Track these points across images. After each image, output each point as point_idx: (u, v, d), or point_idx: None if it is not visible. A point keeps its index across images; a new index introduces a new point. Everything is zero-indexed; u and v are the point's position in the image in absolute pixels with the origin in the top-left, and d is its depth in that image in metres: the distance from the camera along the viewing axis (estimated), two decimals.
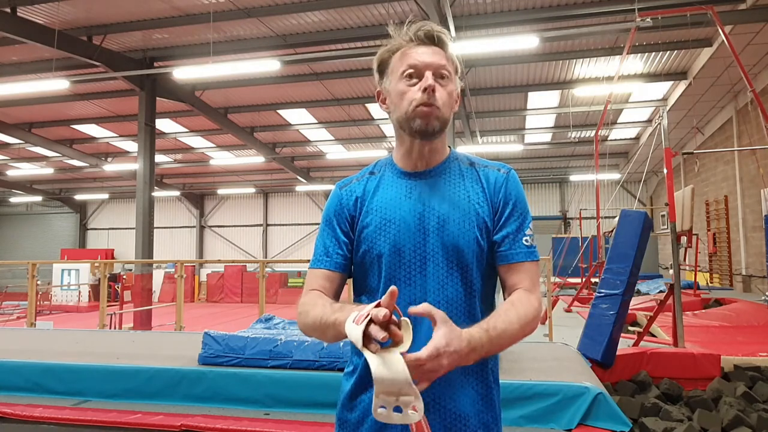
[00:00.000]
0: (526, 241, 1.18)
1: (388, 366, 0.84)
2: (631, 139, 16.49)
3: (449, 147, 1.27)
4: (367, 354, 0.85)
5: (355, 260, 1.21)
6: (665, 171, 4.80)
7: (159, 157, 17.13)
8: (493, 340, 0.99)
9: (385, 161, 1.29)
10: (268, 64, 9.05)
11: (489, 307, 1.20)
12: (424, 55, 1.16)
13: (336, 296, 1.20)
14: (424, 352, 0.86)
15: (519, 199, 1.20)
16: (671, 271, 4.58)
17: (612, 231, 6.12)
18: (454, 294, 1.13)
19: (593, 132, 14.52)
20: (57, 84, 9.35)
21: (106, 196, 24.85)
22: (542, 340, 5.25)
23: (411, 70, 1.15)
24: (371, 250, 1.16)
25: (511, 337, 1.04)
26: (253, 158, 16.97)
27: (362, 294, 1.21)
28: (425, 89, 1.12)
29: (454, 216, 1.15)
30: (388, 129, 14.85)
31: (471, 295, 1.15)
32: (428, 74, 1.14)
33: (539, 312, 1.12)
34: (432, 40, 1.18)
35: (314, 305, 1.11)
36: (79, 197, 25.34)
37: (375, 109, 13.74)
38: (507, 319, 1.04)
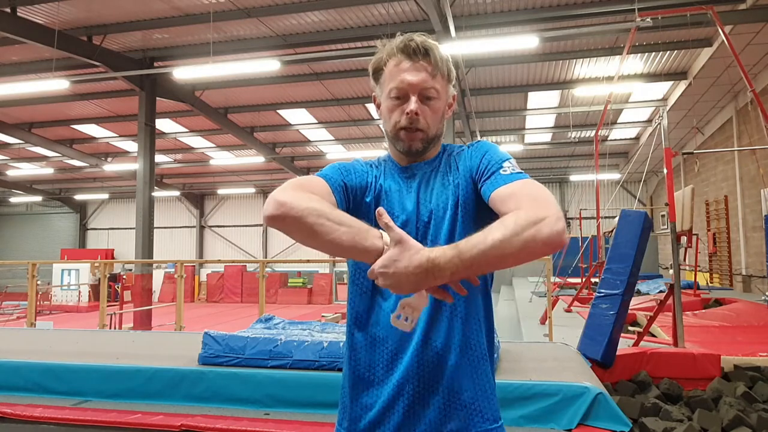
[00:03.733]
0: (504, 170, 1.11)
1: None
2: (631, 139, 16.49)
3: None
4: None
5: None
6: (665, 171, 4.80)
7: (159, 157, 17.14)
8: (466, 252, 0.89)
9: (384, 157, 1.32)
10: (268, 64, 9.05)
11: (484, 294, 1.23)
12: (410, 74, 1.16)
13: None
14: (376, 263, 0.92)
15: (488, 152, 1.19)
16: (671, 271, 4.58)
17: (612, 231, 6.12)
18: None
19: (593, 132, 14.52)
20: (57, 84, 9.35)
21: (106, 196, 24.86)
22: (542, 340, 5.25)
23: (397, 92, 1.17)
24: None
25: (499, 247, 0.89)
26: (253, 158, 16.98)
27: (353, 284, 1.23)
28: (408, 114, 1.15)
29: (439, 204, 1.19)
30: None
31: (476, 286, 1.06)
32: (413, 99, 1.15)
33: (545, 217, 0.95)
34: (417, 55, 1.16)
35: (318, 199, 1.02)
36: (79, 197, 25.35)
37: (375, 109, 13.70)
38: (486, 231, 0.92)
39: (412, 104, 1.15)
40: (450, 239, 1.14)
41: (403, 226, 1.15)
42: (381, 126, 1.20)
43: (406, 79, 1.15)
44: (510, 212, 0.97)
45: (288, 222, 0.98)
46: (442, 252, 0.90)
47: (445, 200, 1.20)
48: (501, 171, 1.11)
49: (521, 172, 1.10)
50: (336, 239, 0.95)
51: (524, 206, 0.97)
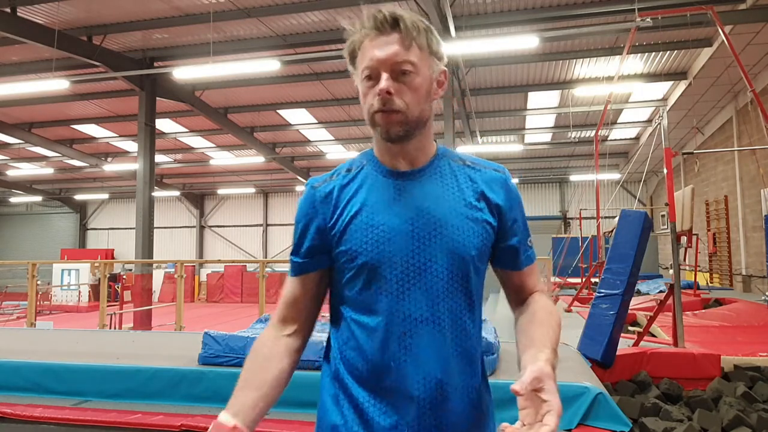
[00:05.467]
0: (530, 243, 1.15)
1: None
2: (631, 139, 16.49)
3: (435, 142, 1.14)
4: None
5: (334, 268, 1.09)
6: (665, 171, 4.80)
7: (159, 157, 17.13)
8: (557, 352, 0.99)
9: (364, 156, 1.14)
10: (268, 64, 9.05)
11: (480, 317, 1.11)
12: (379, 50, 1.00)
13: (314, 300, 1.13)
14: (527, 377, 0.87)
15: (521, 202, 1.14)
16: (671, 271, 4.57)
17: (612, 231, 6.12)
18: (455, 307, 1.03)
19: (593, 132, 14.52)
20: (57, 84, 9.35)
21: (106, 196, 24.85)
22: None
23: (368, 72, 1.02)
24: (354, 259, 1.03)
25: (558, 340, 1.04)
26: (253, 158, 16.97)
27: (341, 303, 1.09)
28: (379, 93, 1.00)
29: (452, 221, 1.04)
30: None
31: (471, 307, 1.06)
32: (384, 76, 1.00)
33: (555, 307, 1.13)
34: (386, 26, 1.01)
35: (256, 354, 1.06)
36: (79, 197, 25.34)
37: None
38: (556, 329, 1.04)
39: (383, 82, 0.99)
40: (454, 257, 1.03)
41: (389, 240, 1.02)
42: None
43: (374, 55, 1.00)
44: (533, 291, 1.14)
45: None
46: (549, 361, 0.93)
47: (459, 213, 1.05)
48: (529, 243, 1.15)
49: (533, 248, 1.17)
50: None
51: (542, 289, 1.15)
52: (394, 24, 1.00)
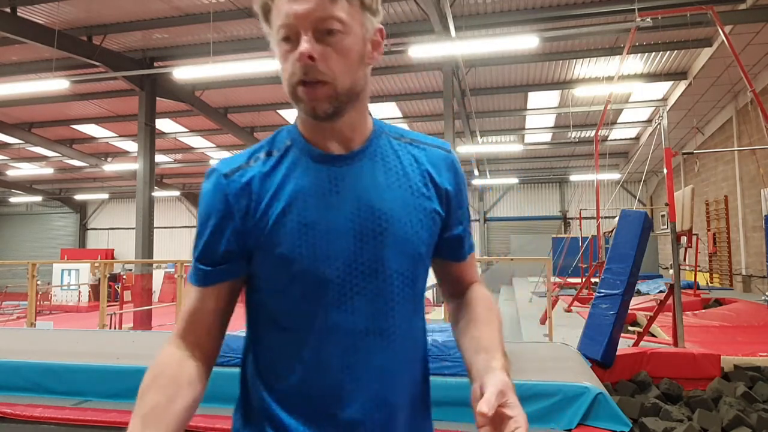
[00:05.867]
0: (470, 228, 1.04)
1: None
2: (631, 139, 16.49)
3: (370, 115, 0.95)
4: None
5: (257, 276, 0.89)
6: (665, 171, 4.80)
7: (159, 157, 17.13)
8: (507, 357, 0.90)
9: (287, 134, 0.92)
10: (267, 64, 9.04)
11: (424, 323, 0.98)
12: (297, 3, 0.80)
13: (225, 316, 0.90)
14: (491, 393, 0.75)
15: (466, 184, 1.00)
16: (671, 271, 4.58)
17: (612, 231, 6.12)
18: (404, 314, 0.89)
19: (593, 132, 14.52)
20: (57, 84, 9.34)
21: (106, 196, 24.85)
22: (542, 340, 5.25)
23: (284, 31, 0.82)
24: (285, 266, 0.84)
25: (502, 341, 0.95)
26: None
27: (267, 319, 0.89)
28: (299, 59, 0.80)
29: (400, 214, 0.88)
30: None
31: (418, 312, 0.94)
32: (304, 37, 0.80)
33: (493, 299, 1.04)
34: None
35: (159, 379, 0.83)
36: (79, 197, 25.34)
37: (375, 110, 13.73)
38: (499, 327, 0.95)
39: (303, 44, 0.80)
40: (404, 257, 0.88)
41: (328, 242, 0.84)
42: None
43: (291, 10, 0.80)
44: (471, 283, 1.04)
45: None
46: (504, 368, 0.83)
47: (407, 204, 0.89)
48: (470, 229, 1.03)
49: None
50: None
51: (479, 280, 1.06)
52: None
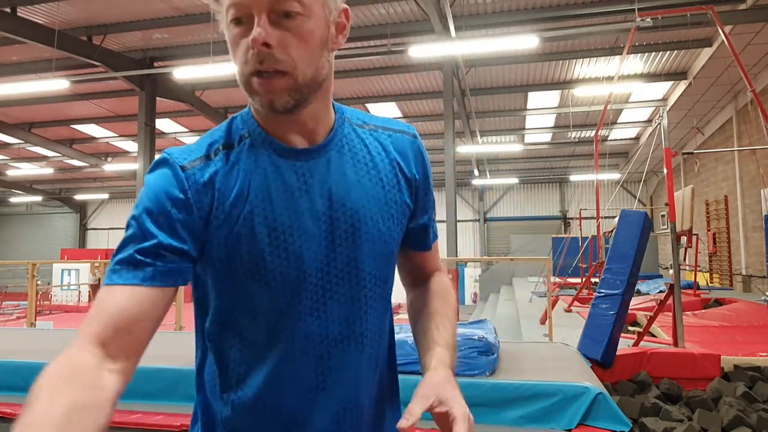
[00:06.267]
0: (434, 215, 0.98)
1: None
2: (631, 139, 16.49)
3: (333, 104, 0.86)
4: None
5: (215, 284, 0.79)
6: (665, 171, 4.80)
7: None
8: (454, 354, 0.87)
9: (243, 124, 0.82)
10: None
11: (393, 325, 0.95)
12: None
13: (136, 344, 0.70)
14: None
15: (430, 171, 0.94)
16: (671, 271, 4.58)
17: (612, 231, 6.12)
18: (375, 317, 0.85)
19: (593, 132, 14.52)
20: (57, 84, 9.34)
21: (106, 196, 24.85)
22: (542, 340, 5.25)
23: (235, 11, 0.72)
24: (253, 274, 0.76)
25: (455, 335, 0.91)
26: None
27: (231, 333, 0.80)
28: (252, 46, 0.70)
29: (372, 211, 0.82)
30: None
31: (388, 314, 0.90)
32: (258, 21, 0.70)
33: (452, 288, 1.00)
34: None
35: (64, 394, 0.60)
36: (79, 197, 25.34)
37: (375, 110, 13.73)
38: (452, 317, 0.92)
39: (256, 29, 0.70)
40: (377, 258, 0.84)
41: (300, 247, 0.77)
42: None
43: None
44: (433, 272, 1.00)
45: None
46: (444, 363, 0.83)
47: (378, 200, 0.83)
48: (434, 216, 0.98)
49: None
50: None
51: (441, 269, 1.02)
52: None
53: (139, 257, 0.71)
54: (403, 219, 0.88)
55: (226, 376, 0.82)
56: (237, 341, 0.80)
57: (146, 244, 0.71)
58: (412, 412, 0.70)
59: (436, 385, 0.76)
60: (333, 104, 0.85)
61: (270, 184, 0.78)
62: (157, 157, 0.79)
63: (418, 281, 1.00)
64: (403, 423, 0.68)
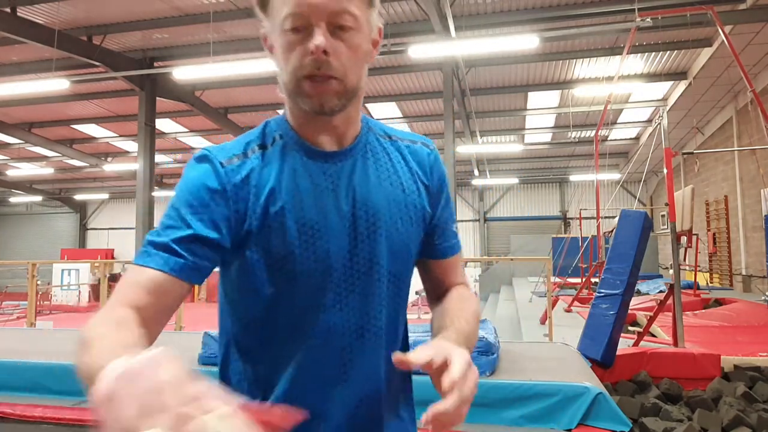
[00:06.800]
0: (456, 228, 1.00)
1: None
2: (631, 139, 16.49)
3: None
4: None
5: (242, 282, 0.84)
6: (665, 171, 4.80)
7: (159, 157, 17.11)
8: (470, 342, 0.85)
9: (277, 127, 0.89)
10: (268, 64, 9.03)
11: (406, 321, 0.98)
12: None
13: (157, 322, 0.75)
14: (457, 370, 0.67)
15: (447, 183, 1.00)
16: (671, 271, 4.58)
17: (612, 231, 6.12)
18: (392, 312, 0.90)
19: (593, 132, 14.52)
20: (57, 84, 9.34)
21: (106, 196, 24.85)
22: (542, 340, 5.25)
23: (294, 20, 0.78)
24: (282, 267, 0.81)
25: (475, 336, 0.90)
26: None
27: (255, 327, 0.85)
28: (313, 52, 0.77)
29: (392, 212, 0.88)
30: None
31: (402, 308, 0.93)
32: (318, 29, 0.77)
33: (478, 303, 0.99)
34: None
35: (105, 335, 0.64)
36: (79, 197, 25.34)
37: (375, 110, 13.73)
38: (469, 319, 0.89)
39: (318, 37, 0.77)
40: (396, 255, 0.88)
41: (327, 241, 0.83)
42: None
43: (305, 0, 0.78)
44: (454, 284, 0.99)
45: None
46: (452, 340, 0.79)
47: (398, 203, 0.89)
48: (455, 228, 0.99)
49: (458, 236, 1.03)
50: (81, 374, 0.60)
51: (466, 284, 1.00)
52: None
53: (173, 246, 0.76)
54: (421, 223, 0.93)
55: (251, 373, 0.86)
56: (261, 339, 0.85)
57: (182, 233, 0.77)
58: (410, 357, 0.69)
59: (442, 345, 0.73)
60: (363, 117, 0.94)
61: (300, 183, 0.84)
62: (195, 153, 0.85)
63: (441, 296, 1.00)
64: (398, 356, 0.70)
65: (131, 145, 16.95)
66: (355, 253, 0.85)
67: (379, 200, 0.87)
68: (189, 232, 0.77)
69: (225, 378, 0.90)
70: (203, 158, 0.83)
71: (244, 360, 0.87)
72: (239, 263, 0.83)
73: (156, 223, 0.81)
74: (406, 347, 0.96)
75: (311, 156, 0.86)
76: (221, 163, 0.82)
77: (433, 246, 0.97)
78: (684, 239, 6.00)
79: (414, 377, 0.99)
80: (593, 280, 9.33)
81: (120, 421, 0.47)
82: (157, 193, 18.97)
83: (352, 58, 0.81)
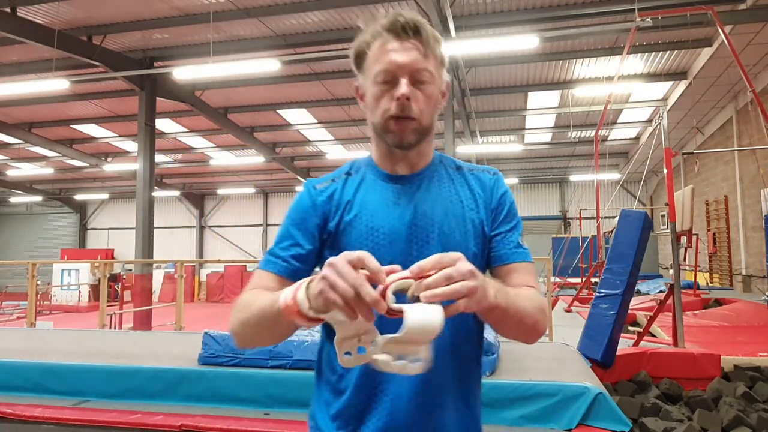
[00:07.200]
0: (521, 241, 1.11)
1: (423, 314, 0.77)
2: (631, 139, 16.49)
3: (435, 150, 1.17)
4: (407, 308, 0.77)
5: None
6: (665, 171, 4.80)
7: (159, 157, 17.13)
8: (510, 299, 0.91)
9: (363, 161, 1.15)
10: (267, 64, 9.05)
11: (482, 328, 1.09)
12: (399, 54, 1.00)
13: None
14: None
15: (513, 204, 1.13)
16: (671, 271, 4.58)
17: (612, 231, 6.12)
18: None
19: (593, 132, 14.51)
20: (57, 84, 9.34)
21: (106, 196, 24.86)
22: (542, 340, 5.25)
23: (385, 75, 1.01)
24: None
25: (524, 312, 0.95)
26: (253, 158, 16.97)
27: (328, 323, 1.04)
28: (398, 98, 0.99)
29: (450, 224, 1.05)
30: None
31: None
32: (403, 81, 0.99)
33: (546, 311, 1.04)
34: (408, 32, 1.01)
35: (260, 295, 0.96)
36: (79, 197, 25.35)
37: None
38: (522, 292, 0.97)
39: (403, 87, 0.99)
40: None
41: (389, 243, 1.02)
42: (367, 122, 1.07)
43: (394, 60, 1.00)
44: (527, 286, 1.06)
45: (246, 344, 0.99)
46: (497, 284, 0.88)
47: (456, 216, 1.06)
48: (519, 240, 1.10)
49: (528, 249, 1.11)
50: (281, 335, 0.96)
51: (538, 293, 1.05)
52: (416, 31, 1.01)
53: (281, 253, 1.06)
54: (480, 234, 1.07)
55: (334, 354, 0.98)
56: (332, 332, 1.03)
57: (287, 242, 1.06)
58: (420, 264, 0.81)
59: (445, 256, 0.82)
60: (434, 150, 1.15)
61: (372, 197, 1.07)
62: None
63: None
64: (390, 275, 0.81)
65: (131, 145, 16.94)
66: (414, 258, 0.93)
67: (437, 213, 1.05)
68: (292, 241, 1.06)
69: (319, 358, 1.11)
70: (304, 186, 1.13)
71: (329, 344, 1.03)
72: (323, 261, 0.98)
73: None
74: (470, 337, 1.07)
75: (385, 179, 1.09)
76: (314, 187, 1.11)
77: (495, 253, 1.08)
78: (684, 239, 6.01)
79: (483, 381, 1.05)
80: (593, 280, 9.34)
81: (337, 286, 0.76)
82: (157, 193, 18.88)
83: (427, 104, 1.03)
